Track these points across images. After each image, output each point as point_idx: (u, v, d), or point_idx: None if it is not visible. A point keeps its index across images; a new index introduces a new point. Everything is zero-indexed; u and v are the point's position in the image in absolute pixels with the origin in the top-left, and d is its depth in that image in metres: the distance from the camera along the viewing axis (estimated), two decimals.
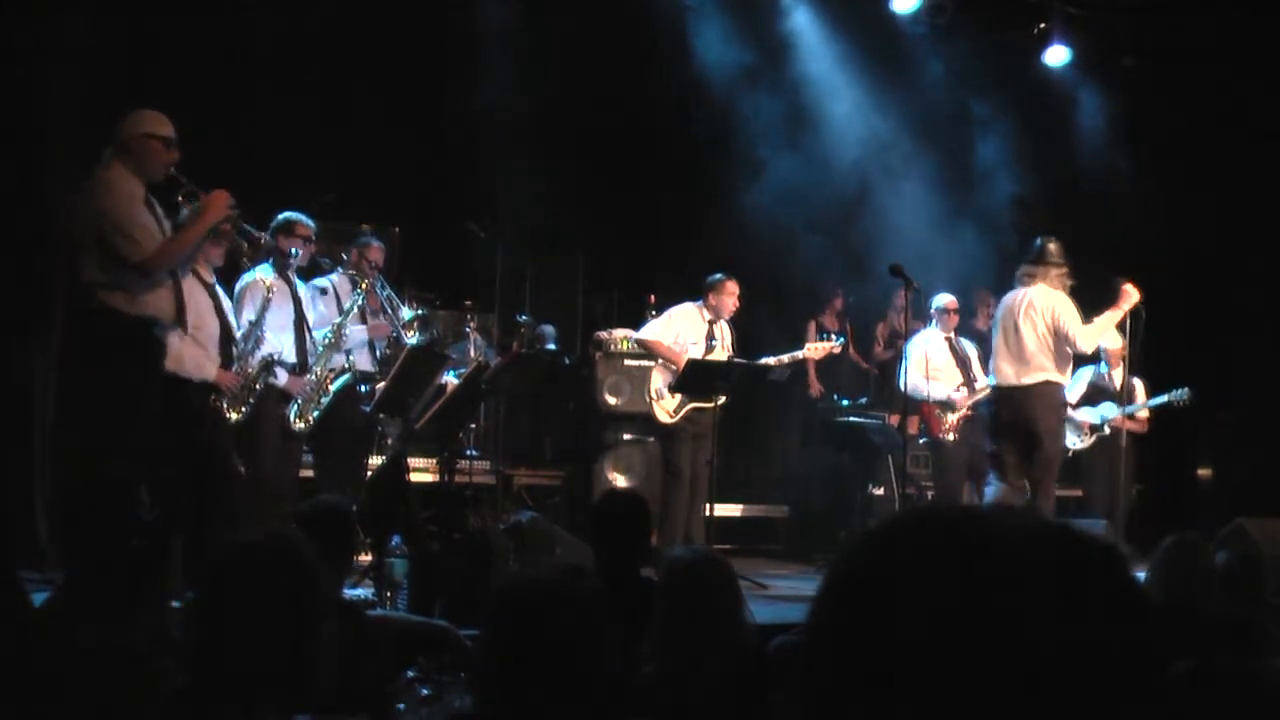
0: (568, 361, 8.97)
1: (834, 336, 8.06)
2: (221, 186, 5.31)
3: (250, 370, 6.05)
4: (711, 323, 7.58)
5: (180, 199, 5.31)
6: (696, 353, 7.44)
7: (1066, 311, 7.04)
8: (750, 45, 9.15)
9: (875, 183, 9.26)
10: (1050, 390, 7.08)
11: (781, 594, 6.82)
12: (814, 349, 7.76)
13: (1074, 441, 8.45)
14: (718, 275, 7.57)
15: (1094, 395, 8.65)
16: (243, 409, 5.98)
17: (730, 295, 7.52)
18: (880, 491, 9.02)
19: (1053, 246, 7.17)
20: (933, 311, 8.11)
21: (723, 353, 7.53)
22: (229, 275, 6.42)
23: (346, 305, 6.74)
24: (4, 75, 6.36)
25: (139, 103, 5.32)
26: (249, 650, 2.05)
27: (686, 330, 7.54)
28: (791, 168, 9.01)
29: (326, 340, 6.56)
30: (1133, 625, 0.82)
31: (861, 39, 9.46)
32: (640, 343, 7.88)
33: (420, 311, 7.24)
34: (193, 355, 5.79)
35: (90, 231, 5.04)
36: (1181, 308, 9.76)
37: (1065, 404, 7.40)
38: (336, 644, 2.15)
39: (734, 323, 7.77)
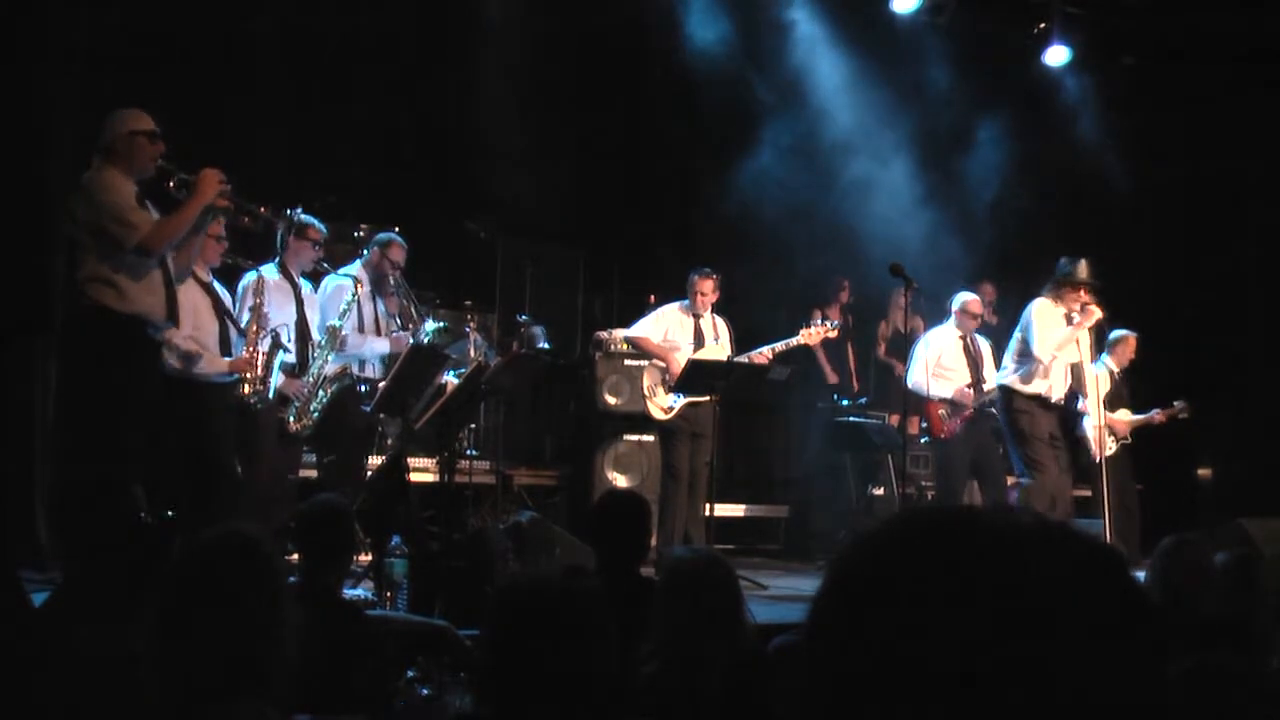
0: (560, 362, 8.97)
1: (831, 322, 8.01)
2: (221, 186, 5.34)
3: (263, 351, 6.05)
4: (697, 318, 7.59)
5: (170, 186, 5.33)
6: (686, 350, 7.46)
7: (1041, 319, 7.12)
8: (750, 45, 9.15)
9: (876, 180, 9.26)
10: (1003, 394, 7.33)
11: (781, 594, 6.80)
12: (809, 334, 7.68)
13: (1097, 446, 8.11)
14: (694, 272, 7.59)
15: (1112, 401, 8.41)
16: (261, 389, 5.98)
17: (700, 292, 7.52)
18: (880, 491, 9.02)
19: (1075, 267, 7.19)
20: (954, 309, 7.93)
21: (716, 348, 7.54)
22: (231, 278, 6.42)
23: (341, 306, 6.70)
24: (4, 75, 6.36)
25: (138, 103, 5.35)
26: (213, 644, 2.04)
27: (674, 328, 7.58)
28: (791, 166, 9.01)
29: (321, 342, 6.55)
30: (1132, 625, 0.82)
31: (861, 38, 9.46)
32: (631, 340, 7.94)
33: (444, 324, 7.25)
34: (197, 356, 5.80)
35: (90, 228, 5.10)
36: (1181, 308, 9.77)
37: (1019, 410, 7.27)
38: (298, 631, 2.13)
39: (734, 318, 7.77)
